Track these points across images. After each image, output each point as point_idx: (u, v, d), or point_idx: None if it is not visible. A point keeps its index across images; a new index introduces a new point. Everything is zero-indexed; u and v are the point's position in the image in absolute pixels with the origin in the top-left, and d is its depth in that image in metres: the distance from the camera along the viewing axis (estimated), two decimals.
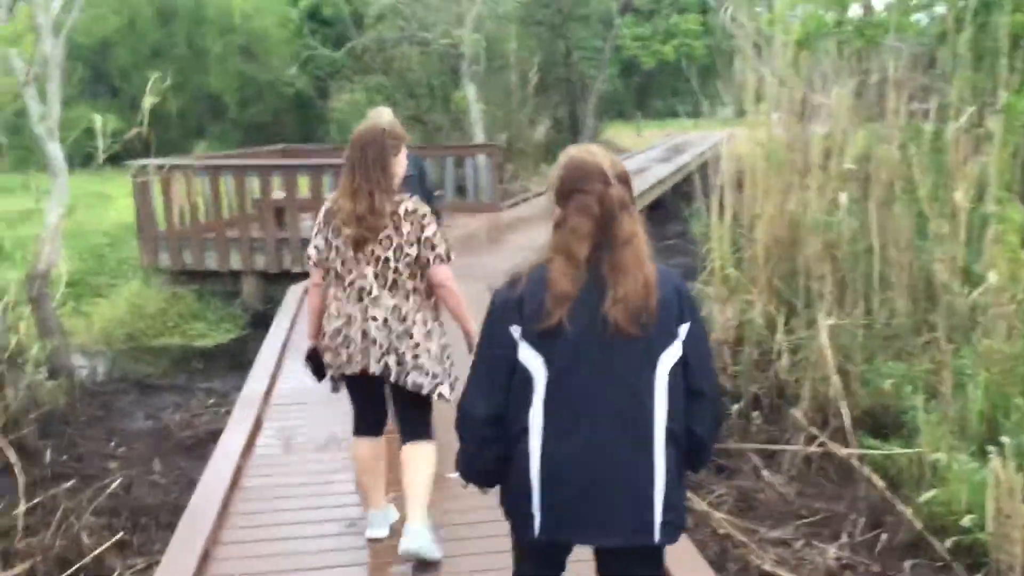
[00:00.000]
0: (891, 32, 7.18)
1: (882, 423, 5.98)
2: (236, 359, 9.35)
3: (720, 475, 5.85)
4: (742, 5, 8.80)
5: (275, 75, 26.76)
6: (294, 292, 8.59)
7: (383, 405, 3.89)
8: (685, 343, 2.25)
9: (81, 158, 29.87)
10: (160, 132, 30.42)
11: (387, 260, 3.52)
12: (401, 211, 3.53)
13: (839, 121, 7.72)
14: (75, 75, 31.59)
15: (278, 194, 11.46)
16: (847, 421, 5.72)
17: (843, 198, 6.80)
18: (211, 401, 8.06)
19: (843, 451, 5.65)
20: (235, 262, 11.34)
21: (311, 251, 3.71)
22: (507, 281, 2.32)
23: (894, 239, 6.87)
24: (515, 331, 2.24)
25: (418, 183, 5.46)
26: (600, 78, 27.54)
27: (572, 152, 2.37)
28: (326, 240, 3.62)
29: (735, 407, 6.73)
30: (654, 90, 56.48)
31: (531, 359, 2.23)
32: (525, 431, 2.24)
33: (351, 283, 3.55)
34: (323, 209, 3.69)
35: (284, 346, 7.25)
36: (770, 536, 5.08)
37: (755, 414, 6.60)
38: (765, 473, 5.79)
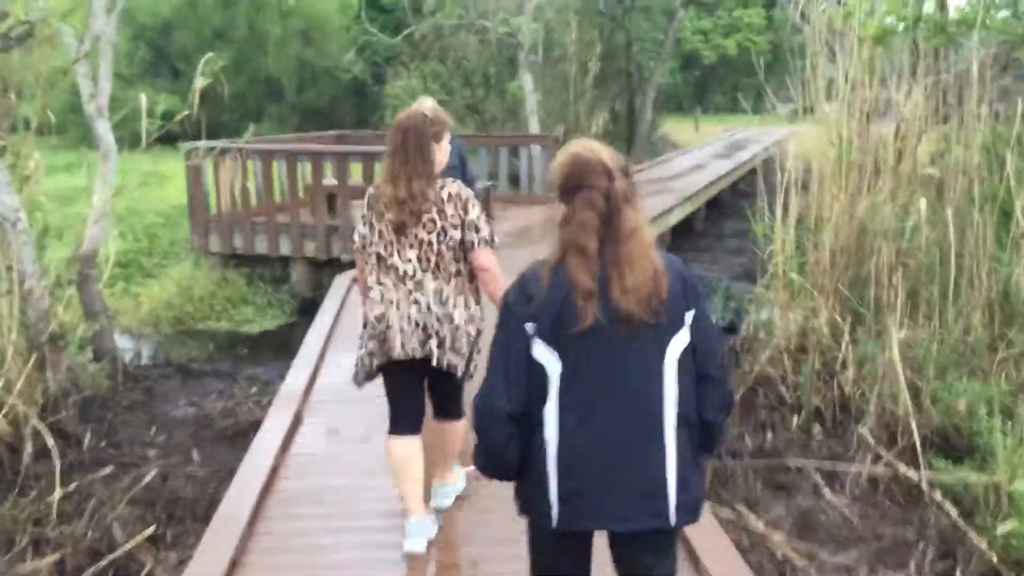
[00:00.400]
0: (977, 29, 6.76)
1: (954, 445, 5.63)
2: (282, 346, 9.22)
3: (778, 493, 5.54)
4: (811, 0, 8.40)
5: (333, 60, 26.74)
6: (341, 282, 8.42)
7: (422, 398, 3.82)
8: (692, 329, 2.30)
9: (137, 137, 30.37)
10: (217, 114, 30.79)
11: (430, 243, 3.53)
12: (444, 194, 3.56)
13: (913, 122, 7.33)
14: (137, 55, 32.09)
15: (330, 180, 11.31)
16: (917, 441, 5.38)
17: (922, 204, 6.42)
18: (254, 389, 7.92)
19: (912, 473, 5.32)
20: (285, 248, 11.22)
21: (356, 237, 3.72)
22: (517, 280, 2.36)
23: (972, 249, 6.49)
24: (529, 328, 2.28)
25: (460, 173, 5.45)
26: (659, 71, 27.07)
27: (572, 148, 2.39)
28: (371, 225, 3.63)
29: (795, 420, 6.42)
30: (714, 85, 55.73)
31: (545, 355, 2.27)
32: (541, 425, 2.28)
33: (393, 267, 3.56)
34: (367, 194, 3.72)
35: (328, 338, 7.08)
36: (832, 561, 4.77)
37: (816, 428, 6.28)
38: (827, 493, 5.47)
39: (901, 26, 7.60)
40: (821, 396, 6.50)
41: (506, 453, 2.35)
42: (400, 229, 3.53)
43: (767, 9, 50.66)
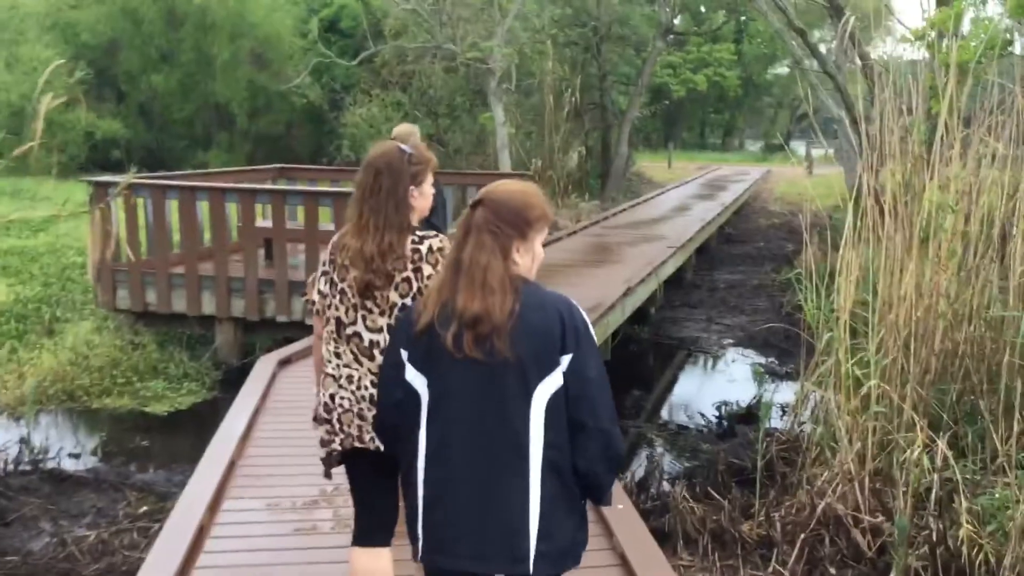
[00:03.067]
0: None
1: None
2: (197, 432, 7.24)
3: None
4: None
5: (287, 85, 24.87)
6: (263, 368, 6.46)
7: (394, 498, 2.97)
8: (567, 374, 2.17)
9: (72, 165, 28.09)
10: (167, 140, 28.62)
11: (404, 308, 2.97)
12: (424, 249, 2.97)
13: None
14: (77, 75, 29.96)
15: (263, 223, 9.42)
16: None
17: None
18: (144, 508, 5.98)
19: None
20: (208, 305, 9.28)
21: (314, 296, 3.14)
22: (412, 304, 2.46)
23: None
24: (403, 353, 2.26)
25: (441, 217, 5.17)
26: (634, 105, 25.51)
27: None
28: (332, 282, 3.06)
29: None
30: (682, 120, 54.64)
31: (416, 380, 2.24)
32: (415, 453, 2.24)
33: (356, 336, 3.00)
34: (331, 243, 3.12)
35: (242, 441, 5.18)
36: None
37: None
38: None
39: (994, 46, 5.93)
40: (919, 552, 4.69)
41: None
42: (366, 291, 2.97)
43: (736, 44, 49.81)
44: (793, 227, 20.21)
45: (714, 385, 9.55)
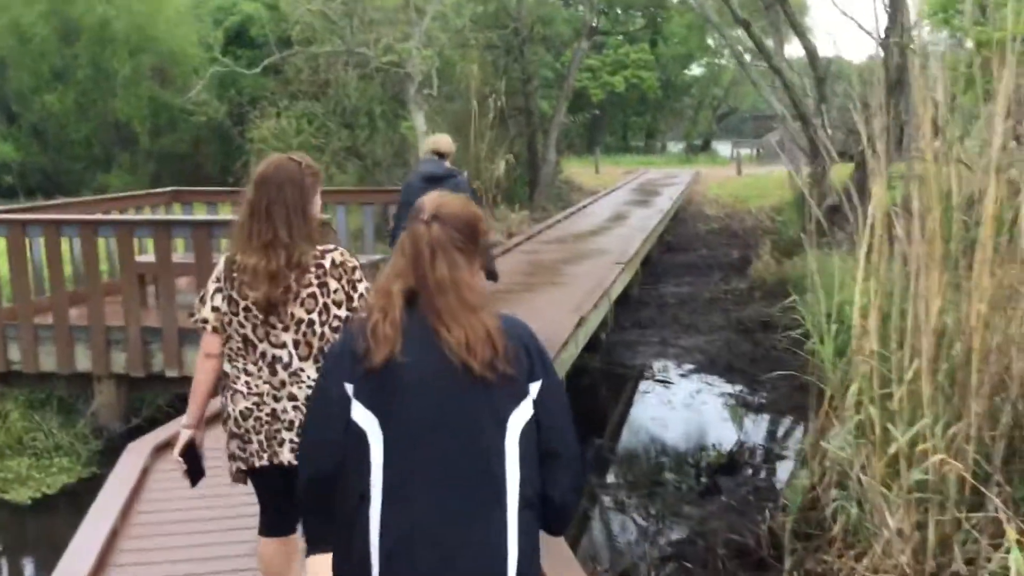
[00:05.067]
0: None
1: None
2: (68, 524, 5.76)
3: None
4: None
5: (183, 99, 23.17)
6: (131, 459, 4.98)
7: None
8: (537, 402, 2.02)
9: None
10: (64, 162, 26.53)
11: (311, 324, 2.95)
12: (327, 263, 2.93)
13: None
14: None
15: (145, 258, 7.97)
16: None
17: None
18: None
19: None
20: (83, 361, 7.76)
21: (207, 313, 3.01)
22: (343, 333, 2.17)
23: None
24: (348, 388, 2.01)
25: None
26: (561, 109, 24.42)
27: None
28: (229, 299, 2.96)
29: None
30: (603, 124, 53.91)
31: (365, 419, 1.99)
32: (364, 499, 1.96)
33: (263, 353, 2.96)
34: (223, 260, 3.02)
35: (104, 552, 3.80)
36: None
37: None
38: None
39: None
40: None
41: (317, 520, 2.12)
42: (271, 308, 2.90)
43: (652, 46, 49.33)
44: (734, 231, 19.33)
45: (681, 423, 8.38)
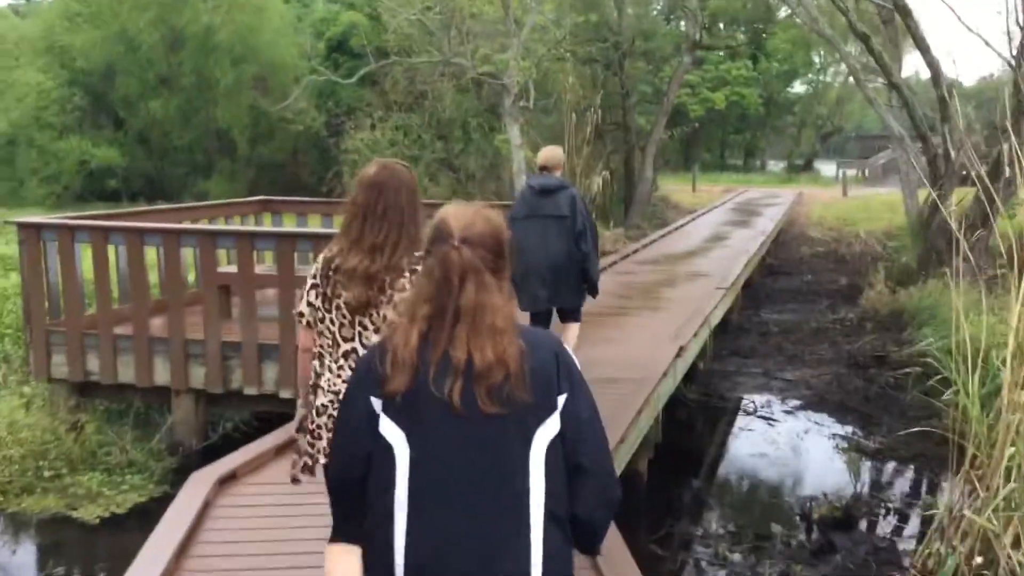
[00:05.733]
0: None
1: None
2: (134, 548, 5.46)
3: None
4: None
5: (279, 106, 23.29)
6: (193, 490, 4.61)
7: None
8: (563, 415, 2.00)
9: (67, 195, 26.55)
10: (167, 168, 27.03)
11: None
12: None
13: None
14: (72, 102, 28.50)
15: (227, 269, 7.72)
16: None
17: None
18: None
19: None
20: (161, 375, 7.53)
21: (303, 307, 3.12)
22: (373, 346, 2.18)
23: None
24: (376, 403, 2.00)
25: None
26: (659, 125, 23.75)
27: (441, 210, 2.13)
28: (324, 296, 3.05)
29: None
30: (701, 141, 52.78)
31: (392, 433, 1.98)
32: (389, 515, 1.97)
33: (346, 353, 3.04)
34: (321, 258, 3.09)
35: None
36: None
37: None
38: None
39: None
40: None
41: (352, 521, 2.08)
42: (364, 308, 2.96)
43: (754, 62, 48.10)
44: (841, 256, 18.38)
45: (788, 466, 7.70)
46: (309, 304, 3.10)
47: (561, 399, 2.01)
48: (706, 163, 51.44)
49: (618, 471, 5.49)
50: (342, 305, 3.00)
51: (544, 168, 6.08)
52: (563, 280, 5.90)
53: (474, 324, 1.97)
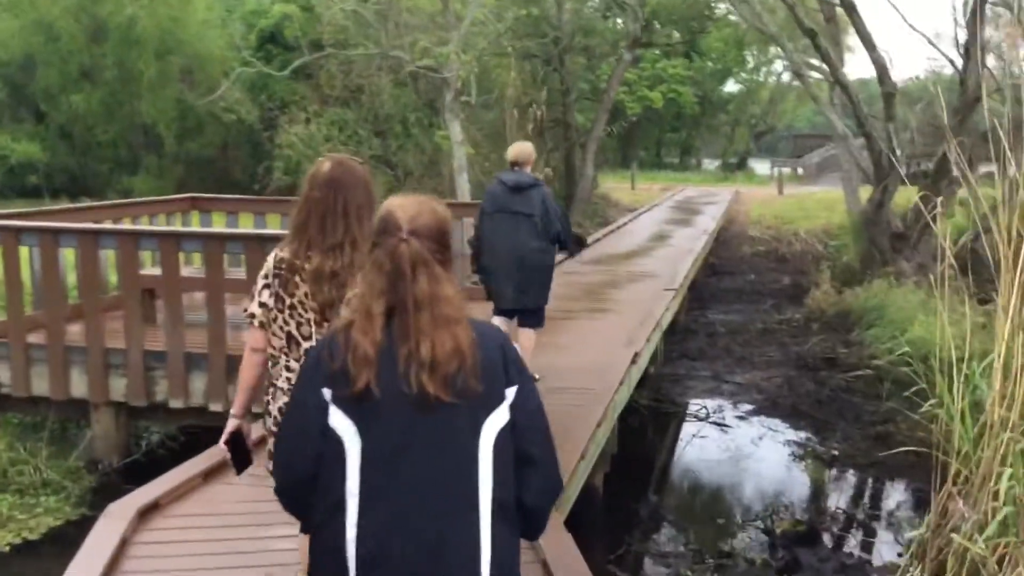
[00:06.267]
0: None
1: None
2: None
3: None
4: None
5: (207, 99, 22.46)
6: (109, 525, 4.09)
7: None
8: (513, 407, 2.04)
9: None
10: (91, 164, 25.96)
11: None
12: None
13: None
14: None
15: (151, 271, 7.19)
16: None
17: None
18: None
19: None
20: (78, 387, 6.96)
21: (255, 308, 3.05)
22: (321, 341, 2.19)
23: None
24: (326, 394, 2.00)
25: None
26: (600, 122, 23.53)
27: (386, 202, 2.15)
28: (277, 296, 3.01)
29: None
30: (638, 139, 52.90)
31: (343, 425, 1.98)
32: (340, 505, 1.97)
33: (307, 351, 2.93)
34: (272, 256, 3.05)
35: None
36: None
37: None
38: None
39: None
40: None
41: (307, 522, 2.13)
42: (326, 309, 2.93)
43: (688, 60, 48.28)
44: (781, 255, 18.34)
45: (745, 476, 7.43)
46: (262, 304, 3.04)
47: (512, 391, 2.04)
48: (643, 161, 51.56)
49: (576, 488, 5.16)
50: (297, 304, 2.97)
51: (515, 164, 6.02)
52: (530, 278, 5.90)
53: (430, 315, 1.98)
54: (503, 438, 2.02)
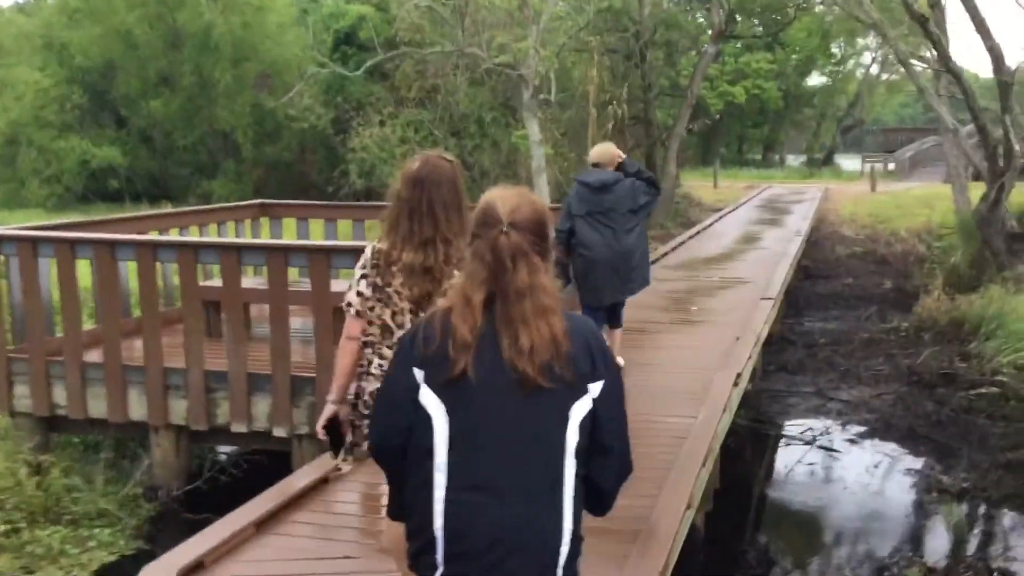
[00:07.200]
0: None
1: None
2: None
3: None
4: None
5: (296, 107, 22.25)
6: None
7: None
8: (597, 400, 2.12)
9: (67, 196, 25.58)
10: (171, 168, 26.07)
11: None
12: None
13: None
14: (71, 100, 27.58)
15: (213, 282, 6.77)
16: None
17: None
18: None
19: None
20: (137, 408, 6.55)
21: (352, 297, 3.16)
22: (415, 325, 2.27)
23: None
24: (418, 374, 2.11)
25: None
26: (683, 119, 22.64)
27: (486, 194, 2.22)
28: (375, 286, 3.13)
29: None
30: (719, 135, 51.54)
31: (433, 405, 2.09)
32: (428, 481, 2.08)
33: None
34: (369, 248, 3.19)
35: None
36: None
37: None
38: None
39: None
40: None
41: (399, 490, 2.24)
42: (421, 302, 3.06)
43: (771, 52, 46.77)
44: (881, 257, 17.25)
45: (861, 513, 6.62)
46: (359, 294, 3.15)
47: (599, 384, 2.10)
48: (724, 158, 50.19)
49: (681, 538, 4.49)
50: (392, 294, 3.08)
51: (596, 165, 6.17)
52: (634, 266, 6.14)
53: (528, 304, 2.04)
54: (584, 427, 2.08)
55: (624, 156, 6.28)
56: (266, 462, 6.70)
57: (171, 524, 6.27)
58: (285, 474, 5.95)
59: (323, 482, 4.59)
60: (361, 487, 4.71)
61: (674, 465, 4.70)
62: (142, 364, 6.49)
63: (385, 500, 4.62)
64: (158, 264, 6.72)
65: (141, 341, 6.60)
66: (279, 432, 6.20)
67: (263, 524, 4.05)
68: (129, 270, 7.28)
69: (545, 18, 14.20)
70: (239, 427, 6.32)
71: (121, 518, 6.21)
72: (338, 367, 3.25)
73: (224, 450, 7.25)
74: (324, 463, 4.80)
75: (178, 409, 6.48)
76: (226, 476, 6.70)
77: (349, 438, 3.27)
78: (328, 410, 3.21)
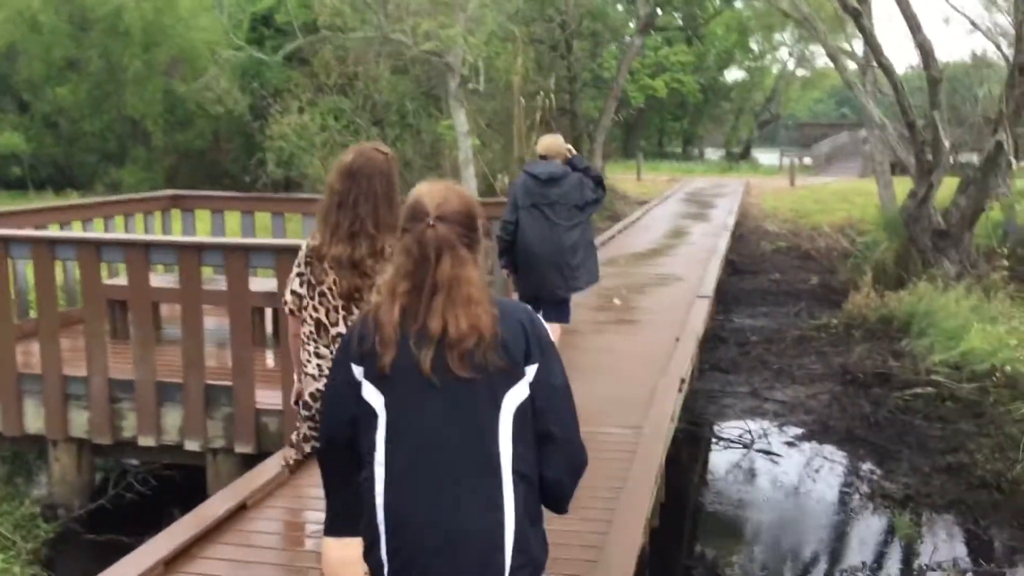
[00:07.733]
0: None
1: None
2: None
3: None
4: None
5: (210, 93, 21.38)
6: None
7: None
8: (533, 384, 2.09)
9: None
10: (77, 155, 24.88)
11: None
12: None
13: None
14: None
15: (118, 280, 6.23)
16: None
17: None
18: None
19: None
20: (34, 421, 5.97)
21: (288, 296, 3.22)
22: (355, 321, 2.25)
23: None
24: (357, 371, 2.13)
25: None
26: (609, 111, 22.49)
27: (415, 188, 2.21)
28: (309, 284, 3.14)
29: None
30: (640, 129, 51.78)
31: (374, 398, 2.10)
32: (371, 475, 2.08)
33: (335, 337, 3.09)
34: (305, 245, 3.19)
35: None
36: None
37: None
38: None
39: None
40: None
41: (341, 491, 2.27)
42: (351, 295, 3.05)
43: (688, 45, 47.18)
44: (804, 252, 17.33)
45: (808, 521, 6.44)
46: (293, 292, 3.17)
47: (532, 368, 2.08)
48: (646, 151, 50.49)
49: (634, 561, 4.17)
50: (326, 292, 3.07)
51: (544, 157, 6.01)
52: (578, 262, 5.94)
53: (449, 296, 2.04)
54: (523, 413, 2.05)
55: (573, 151, 6.04)
56: (178, 478, 6.20)
57: (72, 547, 5.74)
58: (198, 490, 5.50)
59: (241, 509, 4.14)
60: (282, 514, 4.28)
61: (624, 487, 4.38)
62: (39, 372, 5.92)
63: (309, 529, 4.27)
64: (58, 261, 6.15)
65: (38, 345, 6.04)
66: (192, 445, 5.72)
67: (172, 562, 3.59)
68: (27, 267, 6.69)
69: (472, 5, 13.78)
70: (147, 440, 5.81)
71: (15, 541, 5.63)
72: (293, 360, 3.32)
73: (132, 463, 6.69)
74: (240, 487, 4.35)
75: (79, 421, 5.94)
76: (133, 494, 6.16)
77: (294, 436, 3.33)
78: (296, 390, 3.33)
